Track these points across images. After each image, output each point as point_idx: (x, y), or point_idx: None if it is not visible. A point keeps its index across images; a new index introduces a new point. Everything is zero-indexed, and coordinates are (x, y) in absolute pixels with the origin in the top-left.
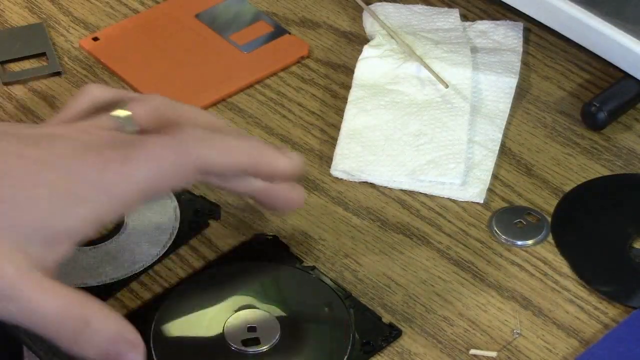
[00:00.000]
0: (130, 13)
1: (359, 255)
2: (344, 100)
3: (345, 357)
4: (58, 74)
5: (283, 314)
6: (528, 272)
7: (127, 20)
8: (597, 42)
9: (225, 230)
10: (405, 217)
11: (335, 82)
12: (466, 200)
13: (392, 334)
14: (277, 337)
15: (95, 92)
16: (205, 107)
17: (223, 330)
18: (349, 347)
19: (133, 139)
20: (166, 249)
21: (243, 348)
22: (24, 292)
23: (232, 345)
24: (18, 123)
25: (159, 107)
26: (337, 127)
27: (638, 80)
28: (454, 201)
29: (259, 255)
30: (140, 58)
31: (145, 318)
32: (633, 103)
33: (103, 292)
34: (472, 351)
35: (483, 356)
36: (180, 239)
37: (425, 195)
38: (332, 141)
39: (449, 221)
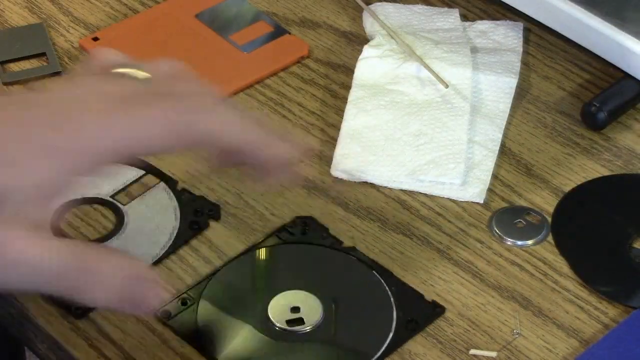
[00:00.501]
0: (130, 13)
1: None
2: (344, 100)
3: (390, 335)
4: (58, 74)
5: (326, 294)
6: (528, 272)
7: (127, 20)
8: (597, 42)
9: (225, 230)
10: (405, 217)
11: (335, 82)
12: (466, 200)
13: (436, 311)
14: (321, 317)
15: (107, 55)
16: None
17: (267, 311)
18: (394, 326)
19: (141, 94)
20: (166, 249)
21: (288, 328)
22: (19, 253)
23: (276, 325)
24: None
25: (172, 70)
26: (337, 127)
27: (638, 80)
28: (454, 201)
29: (298, 236)
30: (140, 58)
31: (190, 300)
32: (633, 103)
33: None
34: (472, 351)
35: (483, 356)
36: (180, 239)
37: (425, 195)
38: (332, 141)
39: (449, 221)
